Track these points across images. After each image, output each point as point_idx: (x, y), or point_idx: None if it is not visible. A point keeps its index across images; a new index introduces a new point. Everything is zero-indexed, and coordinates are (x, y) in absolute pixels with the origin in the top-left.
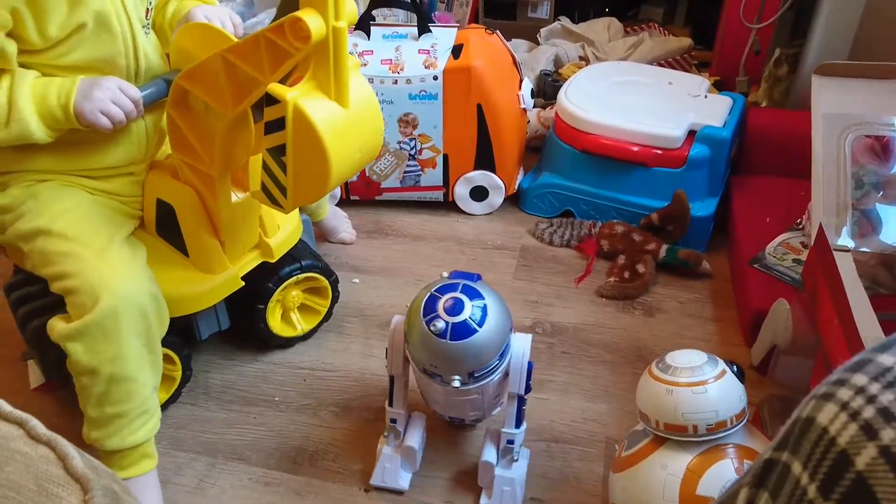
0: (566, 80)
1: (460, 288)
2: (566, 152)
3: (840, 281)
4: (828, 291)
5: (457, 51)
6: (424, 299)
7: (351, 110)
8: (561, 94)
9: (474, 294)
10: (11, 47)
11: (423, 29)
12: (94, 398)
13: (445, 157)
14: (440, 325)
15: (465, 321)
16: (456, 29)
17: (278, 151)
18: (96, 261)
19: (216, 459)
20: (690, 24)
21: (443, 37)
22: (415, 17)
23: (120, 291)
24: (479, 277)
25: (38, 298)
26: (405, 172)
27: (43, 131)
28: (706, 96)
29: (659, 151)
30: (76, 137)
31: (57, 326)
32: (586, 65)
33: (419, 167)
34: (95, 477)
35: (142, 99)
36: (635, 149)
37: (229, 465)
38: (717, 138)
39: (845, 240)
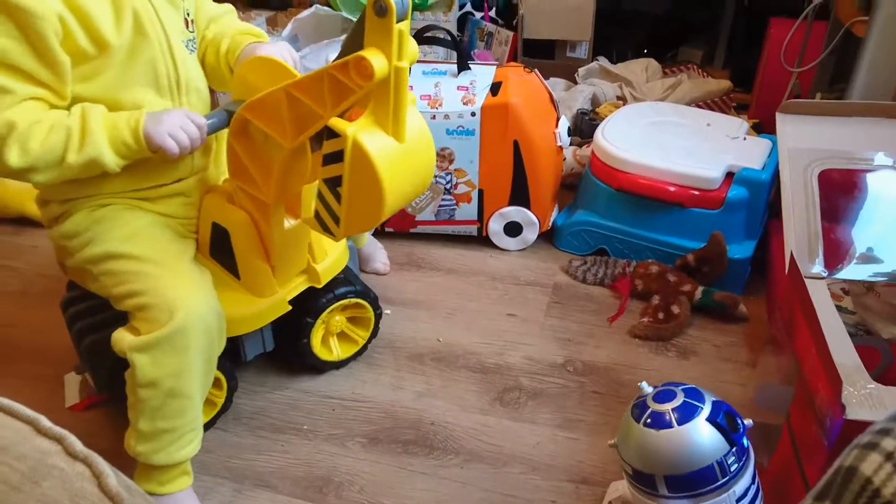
0: (603, 119)
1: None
2: (602, 190)
3: (814, 309)
4: (803, 319)
5: (495, 88)
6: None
7: (406, 145)
8: (598, 133)
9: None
10: (65, 59)
11: (463, 66)
12: (148, 411)
13: (480, 193)
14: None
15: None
16: (495, 67)
17: (334, 182)
18: (170, 278)
19: (242, 486)
20: (729, 66)
21: (481, 74)
22: (455, 54)
23: (193, 308)
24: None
25: (95, 314)
26: (440, 206)
27: (113, 158)
28: (745, 138)
29: (696, 192)
30: (133, 163)
31: (126, 338)
32: (624, 105)
33: (454, 201)
34: (129, 497)
35: (206, 126)
36: (672, 189)
37: (256, 491)
38: (756, 181)
39: (818, 268)
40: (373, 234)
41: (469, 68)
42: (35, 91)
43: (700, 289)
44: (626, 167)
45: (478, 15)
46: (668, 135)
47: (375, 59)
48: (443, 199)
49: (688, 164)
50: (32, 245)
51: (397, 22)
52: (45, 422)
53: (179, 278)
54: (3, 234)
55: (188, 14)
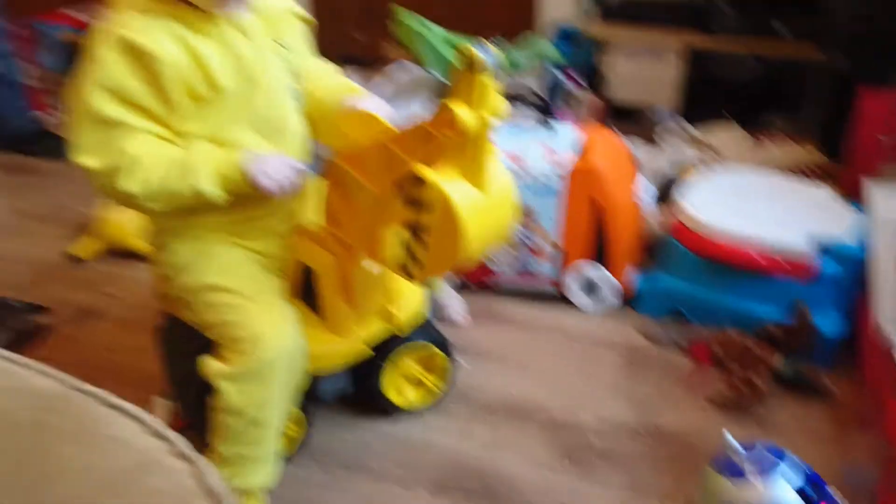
0: (685, 182)
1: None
2: (683, 254)
3: None
4: (894, 399)
5: (578, 148)
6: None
7: (489, 196)
8: (680, 196)
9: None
10: (181, 99)
11: (548, 126)
12: (230, 437)
13: (559, 250)
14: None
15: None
16: (579, 128)
17: (417, 228)
18: (260, 312)
19: None
20: (818, 134)
21: (566, 134)
22: (540, 114)
23: (279, 343)
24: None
25: (186, 342)
26: (519, 261)
27: (215, 190)
28: (833, 208)
29: (782, 261)
30: (234, 199)
31: (214, 366)
32: (707, 170)
33: (533, 257)
34: (228, 496)
35: (303, 171)
36: (756, 256)
37: None
38: (846, 253)
39: None
40: (451, 285)
41: (554, 128)
42: (152, 126)
43: (783, 361)
44: (709, 232)
45: (564, 78)
46: (753, 201)
47: (462, 112)
48: (522, 254)
49: (773, 232)
50: (134, 276)
51: (485, 77)
52: (157, 423)
53: (268, 313)
54: (109, 264)
55: (294, 67)
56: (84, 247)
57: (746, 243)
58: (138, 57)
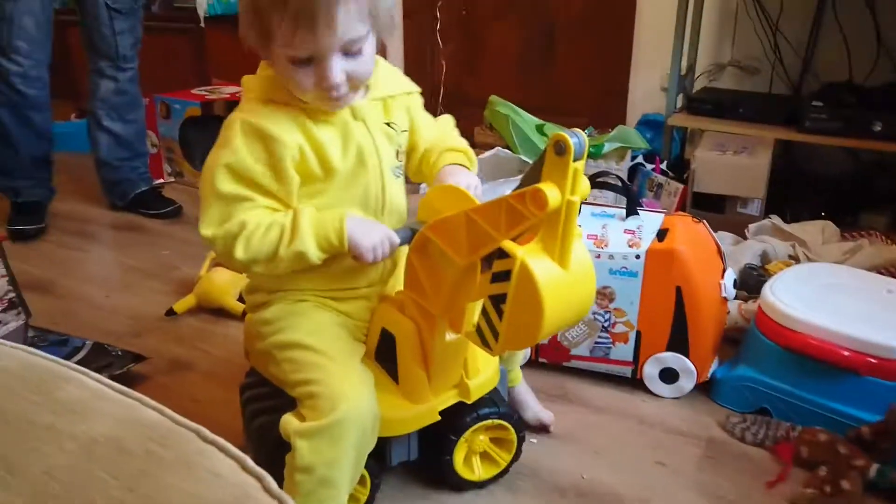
0: (772, 275)
1: None
2: (768, 348)
3: None
4: None
5: (661, 234)
6: None
7: (570, 273)
8: (766, 288)
9: None
10: (297, 179)
11: (631, 211)
12: (300, 495)
13: (638, 334)
14: None
15: None
16: (662, 214)
17: (499, 299)
18: (340, 373)
19: None
20: None
21: (649, 220)
22: (624, 199)
23: (354, 404)
24: None
25: (268, 399)
26: (596, 343)
27: (316, 252)
28: None
29: (874, 360)
30: (331, 263)
31: (292, 423)
32: (795, 264)
33: (610, 340)
34: None
35: (398, 243)
36: (846, 353)
37: None
38: None
39: None
40: (525, 364)
41: (637, 214)
42: (268, 202)
43: (875, 466)
44: (797, 326)
45: (649, 166)
46: (843, 297)
47: (551, 192)
48: (599, 336)
49: (866, 330)
50: (224, 334)
51: (573, 161)
52: (248, 461)
53: (348, 374)
54: (202, 320)
55: (400, 146)
56: (182, 303)
57: (836, 339)
58: (263, 142)
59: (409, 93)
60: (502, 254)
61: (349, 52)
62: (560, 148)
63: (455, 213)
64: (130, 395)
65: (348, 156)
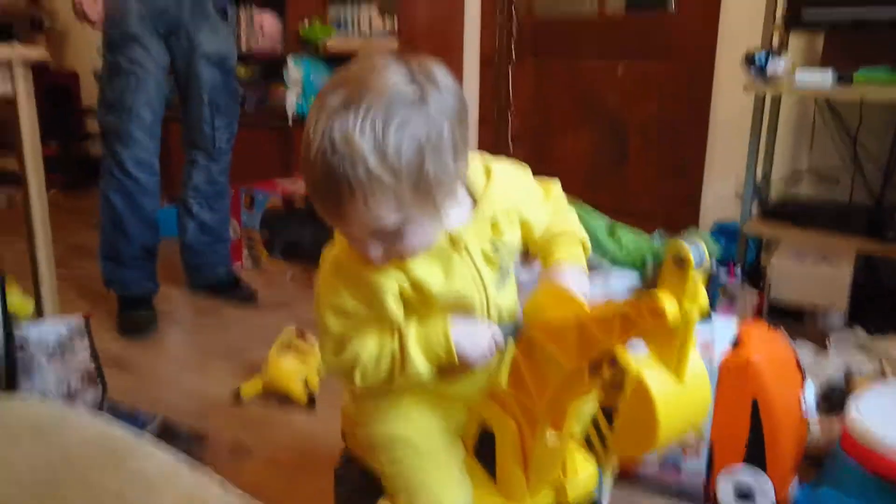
0: (857, 392)
1: None
2: (854, 471)
3: None
4: None
5: (736, 342)
6: None
7: (685, 386)
8: (851, 406)
9: None
10: (400, 308)
11: (706, 320)
12: None
13: (711, 447)
14: None
15: None
16: (737, 320)
17: (609, 408)
18: (440, 478)
19: None
20: None
21: (722, 327)
22: None
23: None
24: None
25: (360, 481)
26: (667, 455)
27: (428, 371)
28: None
29: None
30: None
31: None
32: (880, 380)
33: (681, 451)
34: None
35: (504, 344)
36: None
37: None
38: None
39: None
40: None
41: (711, 322)
42: (371, 329)
43: None
44: (884, 448)
45: (723, 273)
46: None
47: (669, 303)
48: (670, 448)
49: None
50: (288, 420)
51: (695, 273)
52: None
53: (447, 478)
54: (268, 406)
55: (502, 262)
56: (248, 386)
57: None
58: (367, 285)
59: (519, 206)
60: (614, 362)
61: (384, 237)
62: (680, 260)
63: (565, 316)
64: (199, 472)
65: (451, 288)
